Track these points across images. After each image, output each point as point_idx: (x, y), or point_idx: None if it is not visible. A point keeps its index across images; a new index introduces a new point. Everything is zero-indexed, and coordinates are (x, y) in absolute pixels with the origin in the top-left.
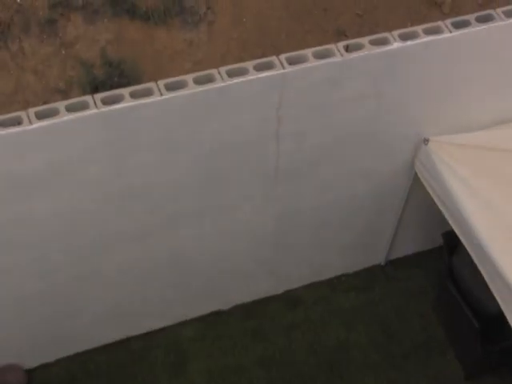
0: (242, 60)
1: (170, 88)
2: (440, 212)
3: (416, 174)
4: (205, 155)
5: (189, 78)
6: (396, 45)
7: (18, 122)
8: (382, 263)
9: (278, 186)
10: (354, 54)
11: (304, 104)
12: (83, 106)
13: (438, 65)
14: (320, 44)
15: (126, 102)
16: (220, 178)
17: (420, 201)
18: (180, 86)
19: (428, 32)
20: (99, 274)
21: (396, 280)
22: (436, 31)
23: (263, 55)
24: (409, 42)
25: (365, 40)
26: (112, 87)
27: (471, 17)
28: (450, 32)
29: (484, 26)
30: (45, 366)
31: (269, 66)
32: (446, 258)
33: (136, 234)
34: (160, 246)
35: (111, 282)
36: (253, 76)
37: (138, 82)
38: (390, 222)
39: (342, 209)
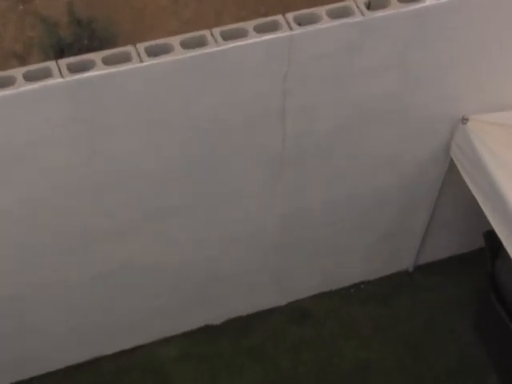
0: (240, 19)
1: (151, 53)
2: (480, 207)
3: (452, 160)
4: (195, 138)
5: (175, 40)
6: (429, 1)
7: None
8: (409, 269)
9: (284, 176)
10: (378, 13)
11: (315, 75)
12: (45, 74)
13: (480, 27)
14: (336, 0)
15: (98, 69)
16: (214, 166)
17: (456, 193)
18: (164, 50)
19: None
20: (64, 281)
21: (426, 289)
22: None
23: (266, 14)
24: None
25: None
26: (81, 51)
27: None
28: None
29: None
30: None
31: (273, 28)
32: (489, 264)
33: (110, 234)
34: (139, 248)
35: (79, 291)
36: (254, 39)
37: (112, 44)
38: (420, 220)
39: (361, 205)
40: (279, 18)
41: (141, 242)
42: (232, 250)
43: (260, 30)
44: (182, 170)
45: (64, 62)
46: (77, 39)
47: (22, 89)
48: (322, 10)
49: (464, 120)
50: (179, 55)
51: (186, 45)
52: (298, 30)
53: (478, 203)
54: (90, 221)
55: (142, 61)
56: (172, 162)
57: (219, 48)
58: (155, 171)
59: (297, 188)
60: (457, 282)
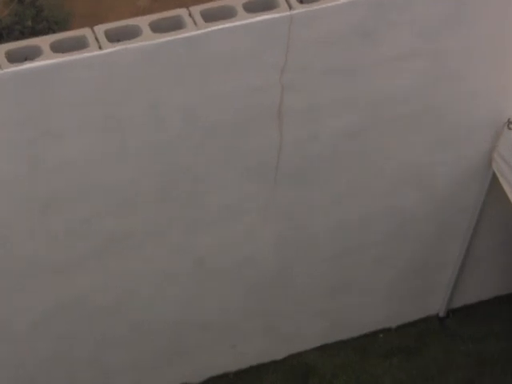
0: None
1: (113, 37)
2: None
3: (494, 174)
4: (168, 144)
5: (143, 22)
6: None
7: None
8: (441, 314)
9: (279, 192)
10: None
11: (319, 65)
12: None
13: None
14: None
15: (46, 57)
16: (193, 179)
17: (500, 217)
18: (130, 34)
19: None
20: (1, 326)
21: (461, 339)
22: None
23: None
24: None
25: None
26: (23, 35)
27: None
28: None
29: None
30: None
31: (269, 6)
32: None
33: (59, 265)
34: (95, 285)
35: (18, 339)
36: (243, 20)
37: (64, 27)
38: (454, 252)
39: (378, 230)
40: None
41: (94, 276)
42: (214, 286)
43: (252, 8)
44: (150, 184)
45: (2, 48)
46: (18, 20)
47: None
48: None
49: (510, 124)
50: (148, 40)
51: (156, 27)
52: (300, 9)
53: None
54: (34, 248)
55: (101, 47)
56: (137, 174)
57: (199, 31)
58: (115, 186)
59: (295, 208)
60: (501, 331)
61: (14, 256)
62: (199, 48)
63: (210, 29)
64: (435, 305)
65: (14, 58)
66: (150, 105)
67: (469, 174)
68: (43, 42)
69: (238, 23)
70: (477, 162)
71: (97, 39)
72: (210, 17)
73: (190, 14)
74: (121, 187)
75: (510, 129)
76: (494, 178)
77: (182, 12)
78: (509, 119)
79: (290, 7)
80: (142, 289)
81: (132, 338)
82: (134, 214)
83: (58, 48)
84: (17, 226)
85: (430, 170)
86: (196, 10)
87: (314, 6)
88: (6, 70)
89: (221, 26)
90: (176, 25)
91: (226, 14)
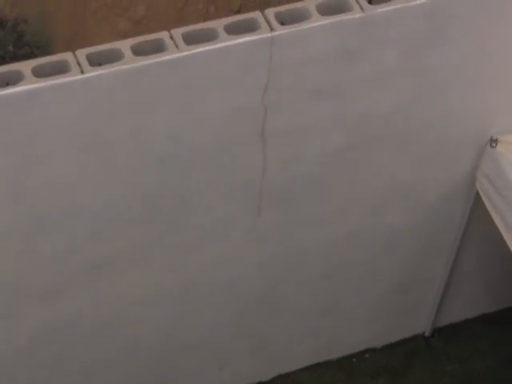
0: (208, 18)
1: (95, 61)
2: None
3: (477, 193)
4: (149, 167)
5: (125, 45)
6: None
7: None
8: (426, 333)
9: (265, 215)
10: (382, 8)
11: (303, 85)
12: None
13: None
14: None
15: (28, 82)
16: (176, 203)
17: (484, 236)
18: (111, 57)
19: None
20: None
21: (447, 359)
22: None
23: (240, 10)
24: None
25: None
26: (5, 60)
27: None
28: None
29: None
30: None
31: (250, 28)
32: None
33: (45, 291)
34: (83, 309)
35: (1, 366)
36: (225, 43)
37: (45, 51)
38: (439, 269)
39: (365, 249)
40: (257, 15)
41: (82, 300)
42: (201, 307)
43: (233, 30)
44: (135, 208)
45: None
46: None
47: None
48: (311, 5)
49: (493, 142)
50: (130, 63)
51: (138, 51)
52: (281, 31)
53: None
54: (18, 273)
55: (83, 71)
56: (119, 199)
57: (181, 54)
58: (101, 209)
59: (282, 228)
60: (487, 350)
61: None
62: (181, 70)
63: (192, 51)
64: (421, 324)
65: None
66: (133, 128)
67: (454, 191)
68: (25, 66)
69: (220, 45)
70: (461, 180)
71: (79, 63)
72: (191, 39)
73: (171, 37)
74: (106, 210)
75: (492, 147)
76: (477, 196)
77: (163, 35)
78: (491, 137)
79: (272, 28)
80: (128, 311)
81: (119, 362)
82: (120, 236)
83: (39, 72)
84: (2, 251)
85: (417, 187)
86: (177, 32)
87: (296, 28)
88: None
89: (204, 49)
90: (158, 48)
91: (209, 35)
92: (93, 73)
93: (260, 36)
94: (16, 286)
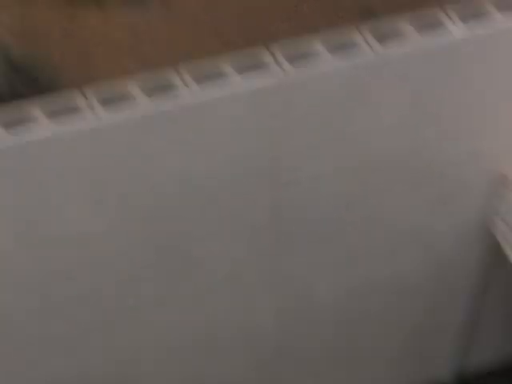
0: (215, 54)
1: (104, 101)
2: None
3: (493, 234)
4: (159, 211)
5: (133, 85)
6: (457, 31)
7: None
8: (448, 382)
9: (279, 260)
10: (393, 49)
11: (312, 126)
12: None
13: None
14: (332, 27)
15: (42, 128)
16: (188, 248)
17: (505, 278)
18: (121, 97)
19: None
20: None
21: None
22: None
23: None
24: (478, 28)
25: (405, 24)
26: (13, 100)
27: None
28: None
29: None
30: None
31: (258, 66)
32: None
33: (58, 341)
34: (95, 360)
35: None
36: (237, 88)
37: (54, 92)
38: (459, 316)
39: (381, 295)
40: (265, 56)
41: (94, 351)
42: (214, 357)
43: (241, 69)
44: (146, 254)
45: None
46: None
47: None
48: (317, 43)
49: (506, 182)
50: (144, 108)
51: (147, 90)
52: (293, 74)
53: None
54: (28, 325)
55: (94, 113)
56: (127, 244)
57: (194, 101)
58: (112, 258)
59: (296, 275)
60: None
61: (11, 334)
62: (192, 115)
63: (204, 98)
64: (441, 371)
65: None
66: (145, 172)
67: (468, 233)
68: (36, 108)
69: (233, 91)
70: (475, 221)
71: (90, 106)
72: (200, 79)
73: (180, 78)
74: (118, 258)
75: (505, 187)
76: (492, 238)
77: (171, 74)
78: (504, 177)
79: (282, 70)
80: (141, 363)
81: None
82: (130, 283)
83: (48, 112)
84: (15, 302)
85: (430, 231)
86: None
87: (308, 71)
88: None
89: (216, 96)
90: (166, 85)
91: (218, 76)
92: (103, 115)
93: (270, 81)
94: (29, 341)
